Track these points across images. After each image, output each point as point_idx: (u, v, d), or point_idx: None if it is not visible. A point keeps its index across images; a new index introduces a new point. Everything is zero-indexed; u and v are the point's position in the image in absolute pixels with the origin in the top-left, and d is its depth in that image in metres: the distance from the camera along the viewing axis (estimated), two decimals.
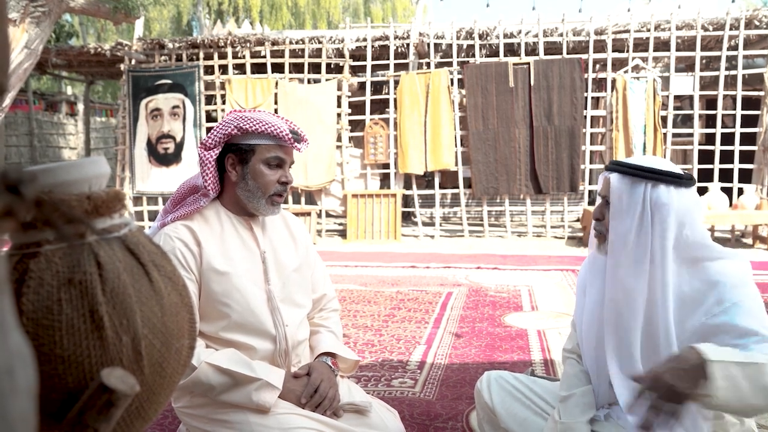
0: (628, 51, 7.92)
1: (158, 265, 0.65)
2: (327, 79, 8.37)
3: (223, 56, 8.54)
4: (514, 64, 7.88)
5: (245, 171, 1.69)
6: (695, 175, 7.77)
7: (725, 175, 7.79)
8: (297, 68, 8.58)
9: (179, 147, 8.53)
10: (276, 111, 8.17)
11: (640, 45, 8.11)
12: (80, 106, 14.14)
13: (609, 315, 1.55)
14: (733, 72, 7.79)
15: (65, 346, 0.56)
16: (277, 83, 8.33)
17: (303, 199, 8.47)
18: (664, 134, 7.81)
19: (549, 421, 1.64)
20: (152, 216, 8.56)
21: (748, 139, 7.81)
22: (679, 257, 1.50)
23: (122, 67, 8.71)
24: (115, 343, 0.58)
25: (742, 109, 7.74)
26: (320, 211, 8.43)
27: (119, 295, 0.59)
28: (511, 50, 8.24)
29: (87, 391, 0.55)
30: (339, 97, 8.32)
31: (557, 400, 1.67)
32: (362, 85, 8.54)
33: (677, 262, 1.50)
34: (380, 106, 8.82)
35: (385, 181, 8.73)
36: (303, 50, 8.44)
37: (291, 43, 8.48)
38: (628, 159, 1.56)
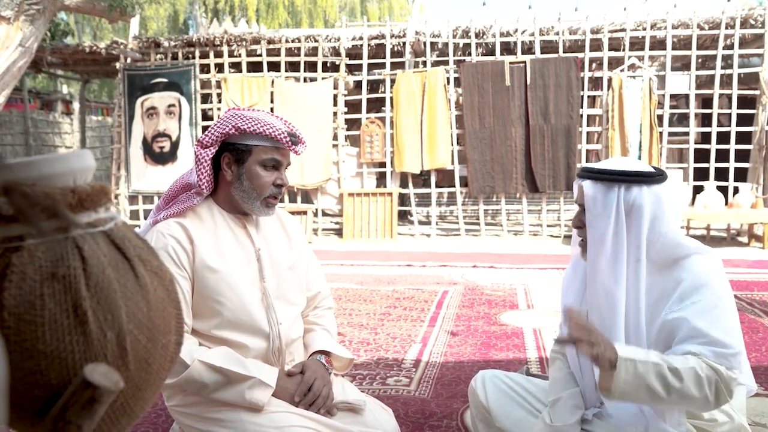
0: (624, 50, 7.93)
1: (144, 260, 0.64)
2: (323, 78, 8.36)
3: (219, 55, 8.52)
4: (510, 63, 7.88)
5: (241, 171, 1.67)
6: (691, 174, 7.79)
7: (721, 174, 7.81)
8: (293, 67, 8.57)
9: (175, 146, 8.51)
10: (272, 110, 8.16)
11: (636, 44, 8.12)
12: (76, 105, 14.10)
13: (592, 319, 1.55)
14: (728, 71, 7.81)
15: (48, 341, 0.55)
16: (273, 82, 8.32)
17: (299, 198, 8.46)
18: (660, 133, 7.82)
19: (539, 423, 1.64)
20: (148, 215, 8.54)
21: (743, 137, 7.83)
22: (653, 258, 1.50)
23: (118, 65, 8.69)
24: (99, 338, 0.57)
25: (738, 108, 7.75)
26: (316, 209, 8.42)
27: (104, 290, 0.58)
28: (508, 49, 8.24)
29: (70, 387, 0.54)
30: (335, 96, 8.31)
31: (547, 404, 1.67)
32: (358, 84, 8.53)
33: (652, 263, 1.51)
34: (376, 105, 8.81)
35: (381, 179, 8.72)
36: (299, 49, 8.43)
37: (287, 41, 8.46)
38: (598, 164, 1.56)
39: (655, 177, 1.49)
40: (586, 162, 8.06)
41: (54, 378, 0.55)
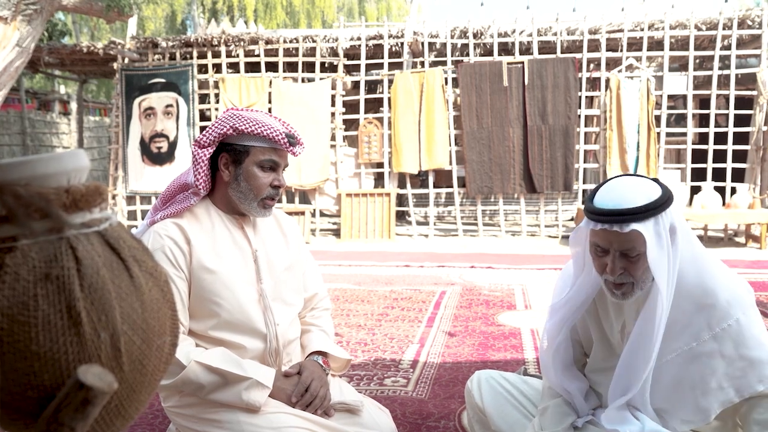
0: (621, 50, 7.93)
1: (139, 261, 0.63)
2: (321, 78, 8.35)
3: (216, 55, 8.51)
4: (508, 64, 7.88)
5: (238, 172, 1.67)
6: (688, 175, 7.80)
7: (718, 175, 7.82)
8: (291, 67, 8.56)
9: (173, 146, 8.50)
10: (270, 110, 8.15)
11: (634, 44, 8.13)
12: (73, 105, 14.08)
13: (632, 345, 1.48)
14: (726, 71, 7.82)
15: (41, 342, 0.54)
16: (271, 82, 8.31)
17: (297, 199, 8.45)
18: (658, 133, 7.83)
19: (529, 429, 1.64)
20: (145, 215, 8.53)
21: (740, 138, 7.84)
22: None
23: (115, 65, 8.68)
24: (93, 339, 0.56)
25: (735, 109, 7.77)
26: (314, 210, 8.42)
27: (98, 290, 0.57)
28: (506, 49, 8.24)
29: (63, 389, 0.54)
30: (333, 96, 8.30)
31: (537, 412, 1.67)
32: (356, 84, 8.53)
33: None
34: (374, 105, 8.81)
35: (379, 180, 8.72)
36: (297, 49, 8.43)
37: (285, 41, 8.46)
38: (621, 201, 1.40)
39: (672, 196, 1.43)
40: (584, 163, 8.07)
41: (47, 379, 0.55)
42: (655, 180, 1.47)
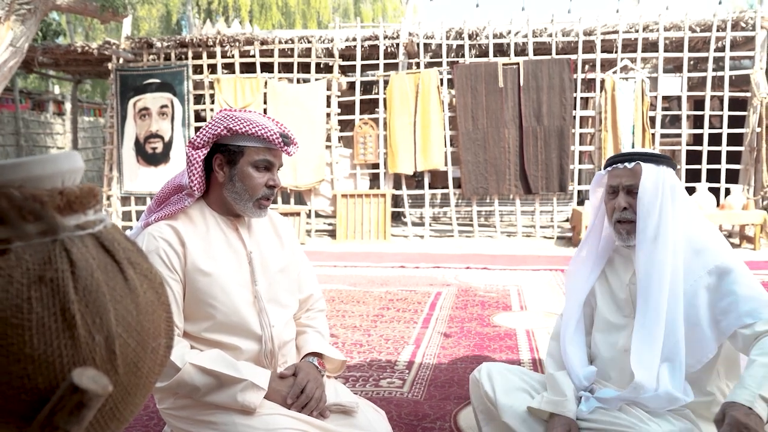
0: (616, 52, 7.96)
1: (134, 263, 0.63)
2: (316, 79, 8.35)
3: (212, 55, 8.50)
4: (503, 65, 7.90)
5: (233, 172, 1.66)
6: (683, 176, 7.83)
7: (713, 176, 7.85)
8: (286, 68, 8.55)
9: (168, 146, 8.48)
10: (265, 111, 8.14)
11: (629, 46, 8.16)
12: (68, 105, 14.02)
13: (641, 293, 1.66)
14: (720, 73, 7.85)
15: (35, 345, 0.54)
16: (266, 83, 8.31)
17: (292, 199, 8.44)
18: (653, 134, 7.86)
19: (535, 399, 1.73)
20: (140, 216, 8.51)
21: (735, 139, 7.87)
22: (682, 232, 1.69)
23: (110, 66, 8.65)
24: (87, 342, 0.56)
25: (729, 110, 7.80)
26: (310, 211, 8.41)
27: (92, 293, 0.57)
28: (501, 50, 8.26)
29: (58, 392, 0.53)
30: (328, 97, 8.30)
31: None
32: (352, 85, 8.52)
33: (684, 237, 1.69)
34: (370, 106, 8.81)
35: (374, 181, 8.72)
36: (292, 50, 8.42)
37: (280, 42, 8.45)
38: (631, 149, 1.75)
39: (674, 165, 1.72)
40: (579, 164, 8.09)
41: (41, 382, 0.55)
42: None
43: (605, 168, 1.77)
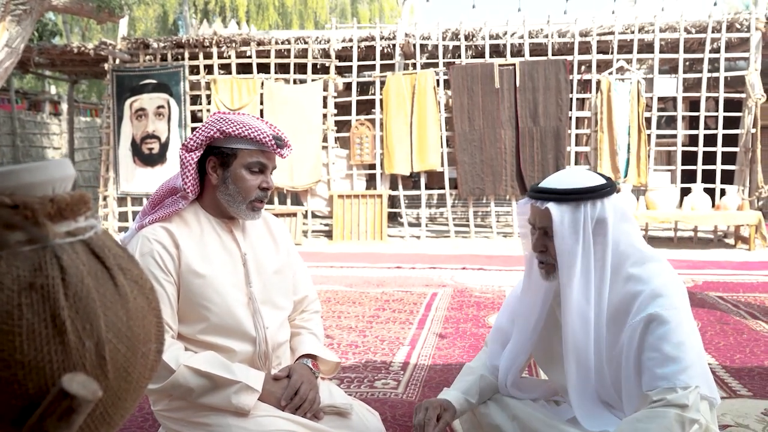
0: (612, 53, 7.98)
1: (124, 269, 0.64)
2: (313, 80, 8.35)
3: (208, 56, 8.50)
4: (499, 65, 7.91)
5: (226, 175, 1.67)
6: (678, 177, 7.85)
7: (708, 176, 7.87)
8: (283, 68, 8.55)
9: (164, 147, 8.48)
10: (261, 111, 8.15)
11: (625, 47, 8.18)
12: (64, 106, 13.99)
13: (568, 342, 1.55)
14: (715, 74, 7.88)
15: (26, 351, 0.55)
16: (262, 83, 8.31)
17: (289, 200, 8.44)
18: (648, 135, 7.88)
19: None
20: (136, 216, 8.51)
21: (730, 140, 7.90)
22: (612, 268, 1.51)
23: (106, 66, 8.65)
24: (77, 348, 0.57)
25: (725, 111, 7.82)
26: (306, 211, 8.41)
27: (82, 299, 0.58)
28: (497, 51, 8.27)
29: (47, 397, 0.54)
30: (325, 98, 8.31)
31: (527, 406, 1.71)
32: (348, 86, 8.53)
33: (612, 272, 1.51)
34: (366, 107, 8.82)
35: (371, 181, 8.73)
36: (289, 50, 8.43)
37: (277, 43, 8.45)
38: (550, 183, 1.51)
39: (610, 187, 1.48)
40: (575, 164, 8.11)
41: (32, 388, 0.55)
42: (607, 178, 1.52)
43: (528, 196, 1.56)
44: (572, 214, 1.46)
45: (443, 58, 8.19)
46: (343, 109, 8.53)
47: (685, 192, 7.70)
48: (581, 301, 1.49)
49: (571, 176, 1.51)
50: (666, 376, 1.38)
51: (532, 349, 1.70)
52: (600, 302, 1.50)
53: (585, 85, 8.24)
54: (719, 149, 7.82)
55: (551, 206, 1.46)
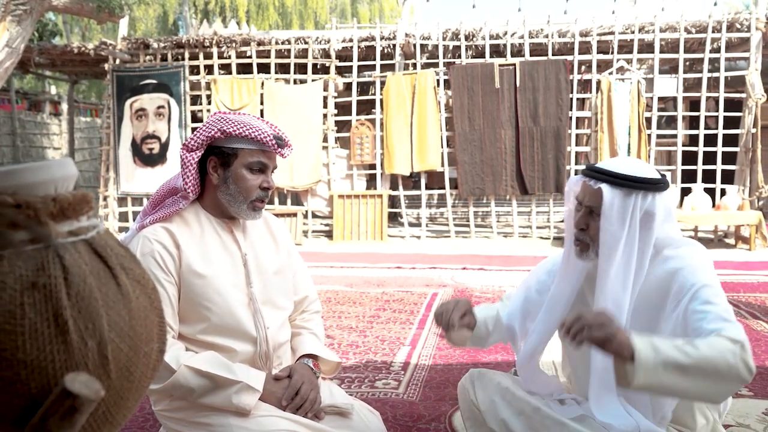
0: (612, 53, 7.98)
1: (126, 269, 0.64)
2: (313, 80, 8.35)
3: (208, 56, 8.50)
4: (499, 65, 7.91)
5: (227, 175, 1.67)
6: (679, 176, 7.85)
7: (708, 176, 7.87)
8: (283, 68, 8.55)
9: (164, 147, 8.48)
10: (261, 111, 8.15)
11: (625, 47, 8.18)
12: (64, 106, 13.99)
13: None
14: (715, 74, 7.88)
15: (28, 350, 0.55)
16: (263, 83, 8.31)
17: (289, 200, 8.44)
18: (648, 135, 7.88)
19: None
20: (137, 216, 8.51)
21: (730, 140, 7.90)
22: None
23: (107, 66, 8.64)
24: (80, 347, 0.57)
25: (725, 111, 7.82)
26: (306, 211, 8.41)
27: (85, 299, 0.58)
28: (497, 51, 8.27)
29: (50, 397, 0.54)
30: (325, 98, 8.31)
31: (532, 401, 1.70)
32: (348, 86, 8.53)
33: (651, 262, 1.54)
34: (366, 107, 8.82)
35: (371, 181, 8.72)
36: (289, 50, 8.42)
37: (277, 43, 8.45)
38: (608, 165, 1.54)
39: (664, 184, 1.51)
40: (575, 164, 8.11)
41: (34, 387, 0.55)
42: (662, 174, 1.55)
43: (583, 173, 1.60)
44: (623, 199, 1.48)
45: (443, 58, 8.19)
46: (343, 109, 8.53)
47: (685, 192, 7.70)
48: (617, 288, 1.51)
49: (630, 164, 1.53)
50: (717, 329, 1.37)
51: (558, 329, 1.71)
52: (633, 292, 1.52)
53: (585, 85, 8.24)
54: (719, 149, 7.82)
55: (604, 187, 1.49)
